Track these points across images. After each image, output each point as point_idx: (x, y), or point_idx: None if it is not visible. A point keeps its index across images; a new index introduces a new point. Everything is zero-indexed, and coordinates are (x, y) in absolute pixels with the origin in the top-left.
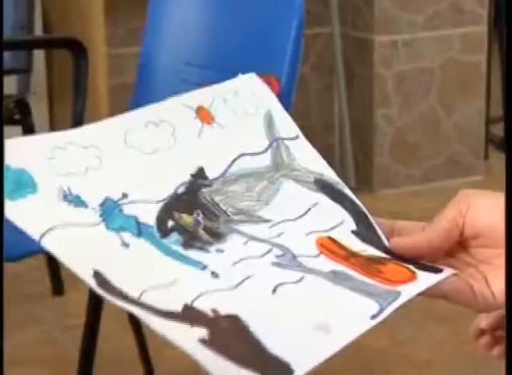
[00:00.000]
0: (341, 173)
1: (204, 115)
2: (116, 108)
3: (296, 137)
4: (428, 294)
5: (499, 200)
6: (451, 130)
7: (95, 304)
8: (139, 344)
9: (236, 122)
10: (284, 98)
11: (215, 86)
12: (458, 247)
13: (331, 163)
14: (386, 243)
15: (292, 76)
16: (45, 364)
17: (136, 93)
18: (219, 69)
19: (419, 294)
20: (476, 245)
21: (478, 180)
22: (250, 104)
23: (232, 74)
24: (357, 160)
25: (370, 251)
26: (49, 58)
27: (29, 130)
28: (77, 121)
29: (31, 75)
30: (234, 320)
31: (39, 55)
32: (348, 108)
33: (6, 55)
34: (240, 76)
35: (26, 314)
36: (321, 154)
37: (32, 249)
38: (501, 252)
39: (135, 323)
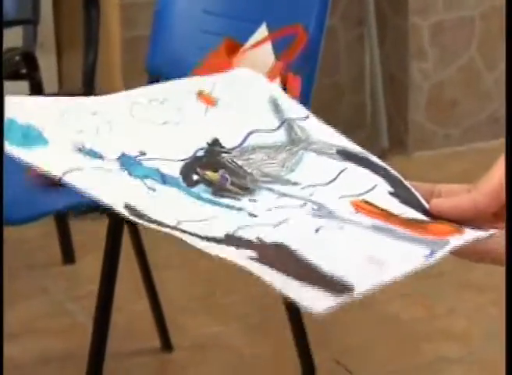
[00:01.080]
0: (372, 133)
1: (206, 99)
2: (130, 62)
3: (307, 117)
4: (480, 253)
5: None
6: (493, 86)
7: (109, 271)
8: (155, 314)
9: (241, 105)
10: (312, 50)
11: (213, 75)
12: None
13: (361, 122)
14: (426, 205)
15: (320, 25)
16: (58, 335)
17: (152, 45)
18: (241, 19)
19: (471, 252)
20: None
21: None
22: (252, 90)
23: (256, 24)
24: (390, 119)
25: (410, 213)
26: (57, 7)
27: (36, 85)
28: (89, 75)
29: (38, 26)
30: (282, 247)
31: (46, 4)
32: (380, 61)
33: (10, 3)
34: (237, 70)
35: (35, 283)
36: (350, 111)
37: (39, 211)
38: None
39: (150, 290)
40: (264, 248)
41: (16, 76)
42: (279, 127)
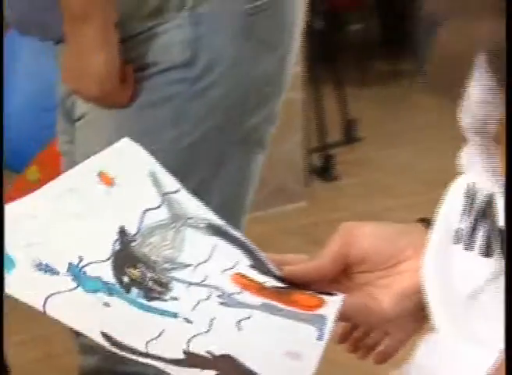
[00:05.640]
0: None
1: (105, 178)
2: None
3: (179, 190)
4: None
5: (379, 227)
6: (277, 159)
7: None
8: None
9: (131, 182)
10: None
11: (103, 152)
12: (341, 274)
13: None
14: (279, 273)
15: None
16: None
17: None
18: None
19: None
20: (360, 270)
21: (301, 206)
22: (135, 165)
23: None
24: None
25: (270, 282)
26: None
27: None
28: None
29: None
30: (228, 359)
31: None
32: None
33: None
34: (121, 142)
35: None
36: None
37: None
38: (384, 274)
39: None
40: (218, 364)
41: None
42: (161, 204)
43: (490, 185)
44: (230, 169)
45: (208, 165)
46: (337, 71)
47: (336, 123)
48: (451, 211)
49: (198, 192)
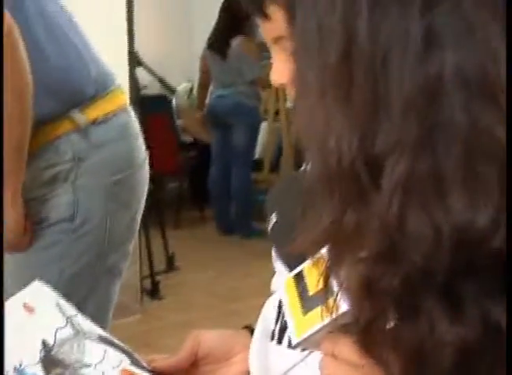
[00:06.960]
0: None
1: (28, 308)
2: None
3: (77, 314)
4: None
5: (217, 333)
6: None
7: None
8: None
9: (45, 310)
10: None
11: (24, 290)
12: (192, 366)
13: None
14: (149, 367)
15: None
16: None
17: None
18: None
19: None
20: (204, 363)
21: (137, 318)
22: (45, 298)
23: None
24: None
25: (145, 373)
26: None
27: None
28: None
29: None
30: None
31: None
32: None
33: None
34: (33, 283)
35: None
36: None
37: None
38: (222, 365)
39: None
40: None
41: None
42: (66, 324)
43: None
44: (99, 292)
45: (83, 291)
46: (160, 217)
47: (161, 256)
48: (268, 318)
49: (77, 311)
